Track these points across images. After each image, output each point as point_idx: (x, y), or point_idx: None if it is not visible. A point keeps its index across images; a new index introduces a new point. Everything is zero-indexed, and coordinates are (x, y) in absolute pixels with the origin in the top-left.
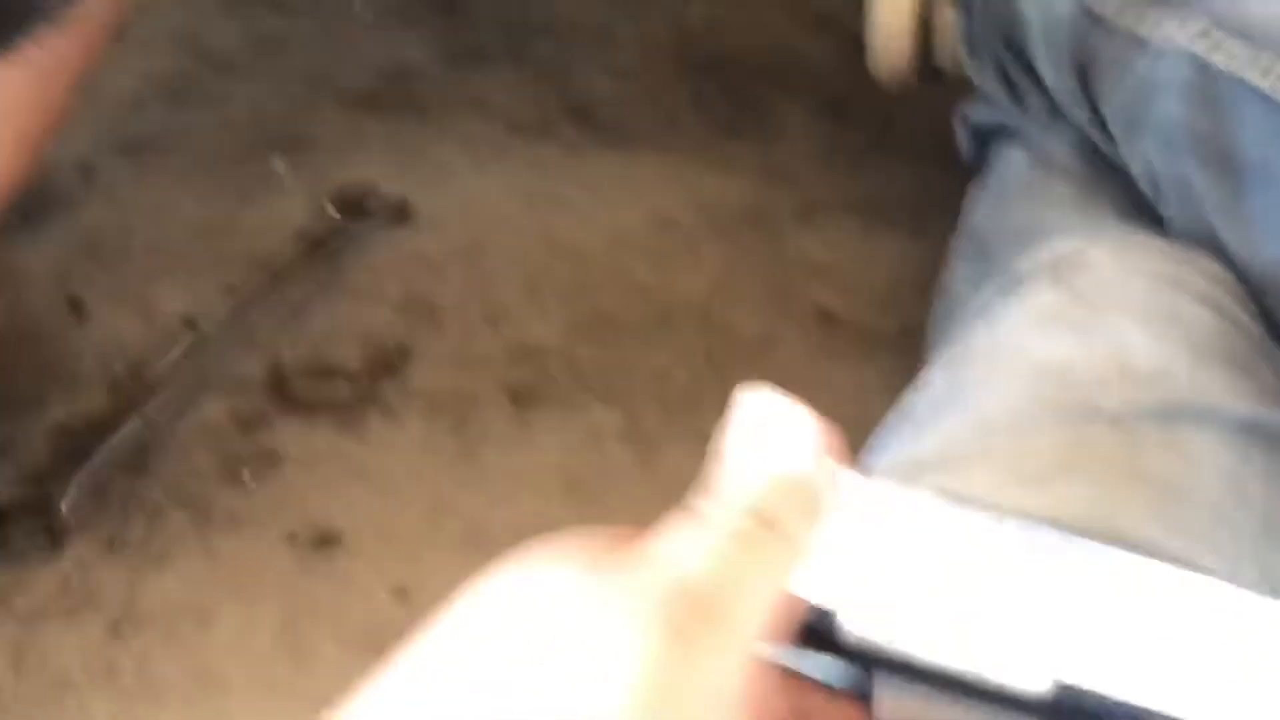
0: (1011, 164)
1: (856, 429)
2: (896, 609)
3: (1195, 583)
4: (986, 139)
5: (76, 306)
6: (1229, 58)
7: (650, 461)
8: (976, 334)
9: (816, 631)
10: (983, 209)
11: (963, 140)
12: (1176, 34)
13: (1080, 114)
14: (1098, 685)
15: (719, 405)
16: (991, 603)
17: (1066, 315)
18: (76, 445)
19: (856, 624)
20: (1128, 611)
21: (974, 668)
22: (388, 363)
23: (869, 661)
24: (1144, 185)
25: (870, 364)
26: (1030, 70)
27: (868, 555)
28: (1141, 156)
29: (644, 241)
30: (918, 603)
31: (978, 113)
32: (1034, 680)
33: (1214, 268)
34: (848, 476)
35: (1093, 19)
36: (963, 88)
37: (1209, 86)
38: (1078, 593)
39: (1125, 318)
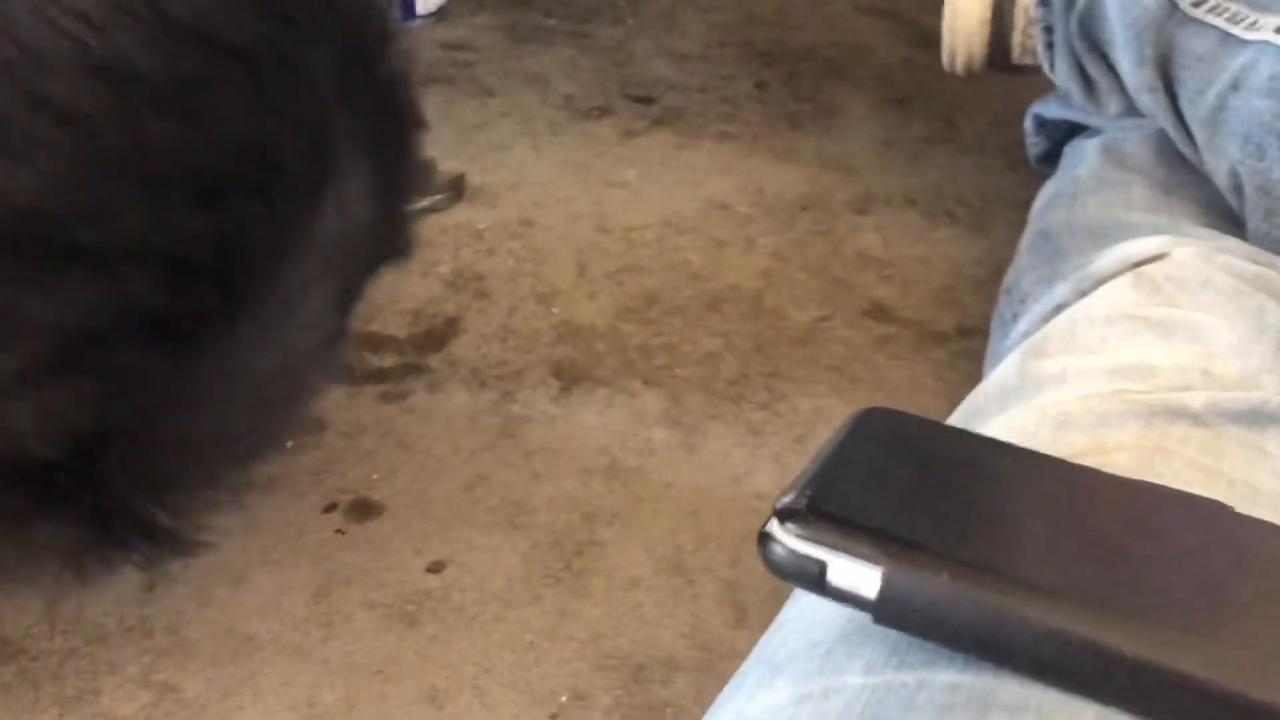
0: (1086, 161)
1: None
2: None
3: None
4: (1057, 137)
5: None
6: None
7: (693, 447)
8: (1054, 330)
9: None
10: (1054, 206)
11: (1032, 138)
12: (1272, 34)
13: (1160, 112)
14: None
15: (765, 394)
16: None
17: (1149, 315)
18: None
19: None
20: None
21: None
22: (436, 335)
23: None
24: (1224, 187)
25: (924, 360)
26: (1109, 67)
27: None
28: (1224, 156)
29: (697, 226)
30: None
31: (1049, 109)
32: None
33: None
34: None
35: (1181, 15)
36: (1030, 83)
37: None
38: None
39: (1210, 318)
